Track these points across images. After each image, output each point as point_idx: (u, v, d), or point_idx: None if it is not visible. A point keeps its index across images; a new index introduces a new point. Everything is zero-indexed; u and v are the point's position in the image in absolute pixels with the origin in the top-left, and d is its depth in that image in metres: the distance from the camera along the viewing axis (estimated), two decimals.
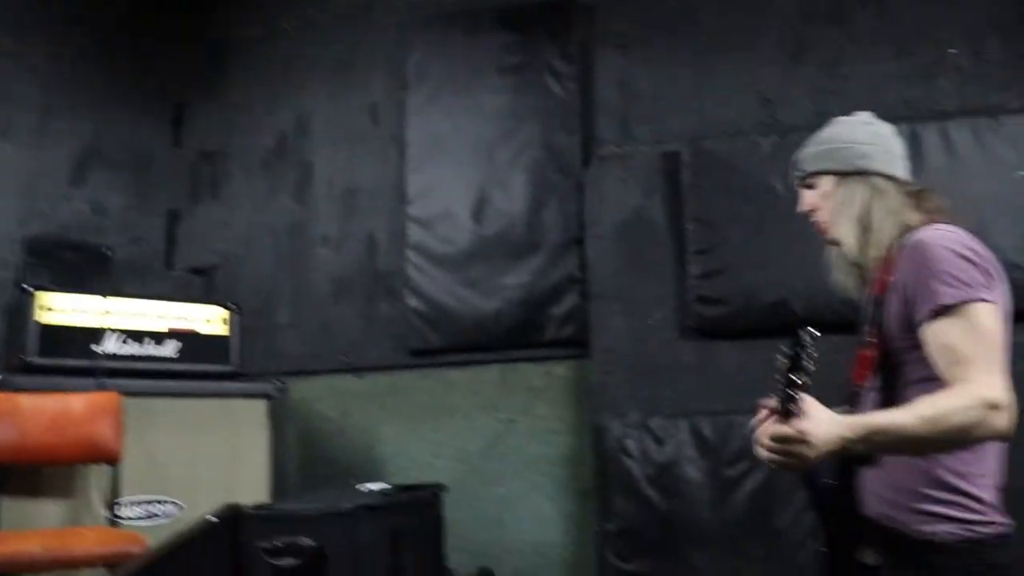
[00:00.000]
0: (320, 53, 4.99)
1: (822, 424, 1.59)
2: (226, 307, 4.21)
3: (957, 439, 1.64)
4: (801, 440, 1.58)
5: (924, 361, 1.73)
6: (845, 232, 1.94)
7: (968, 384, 1.63)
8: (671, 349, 4.06)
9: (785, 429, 1.59)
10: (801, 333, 1.60)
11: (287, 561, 3.15)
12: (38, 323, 3.68)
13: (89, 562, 3.21)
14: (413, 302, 4.54)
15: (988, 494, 1.76)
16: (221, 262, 4.93)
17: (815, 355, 1.60)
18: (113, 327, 3.83)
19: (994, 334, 1.71)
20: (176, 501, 3.75)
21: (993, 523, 1.74)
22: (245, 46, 5.11)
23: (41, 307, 3.70)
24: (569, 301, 4.37)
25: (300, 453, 4.54)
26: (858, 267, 1.94)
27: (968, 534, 1.71)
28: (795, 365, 1.60)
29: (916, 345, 1.75)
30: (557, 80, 4.53)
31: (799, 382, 1.59)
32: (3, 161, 4.38)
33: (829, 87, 4.20)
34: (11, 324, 3.82)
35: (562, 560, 4.26)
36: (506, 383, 4.44)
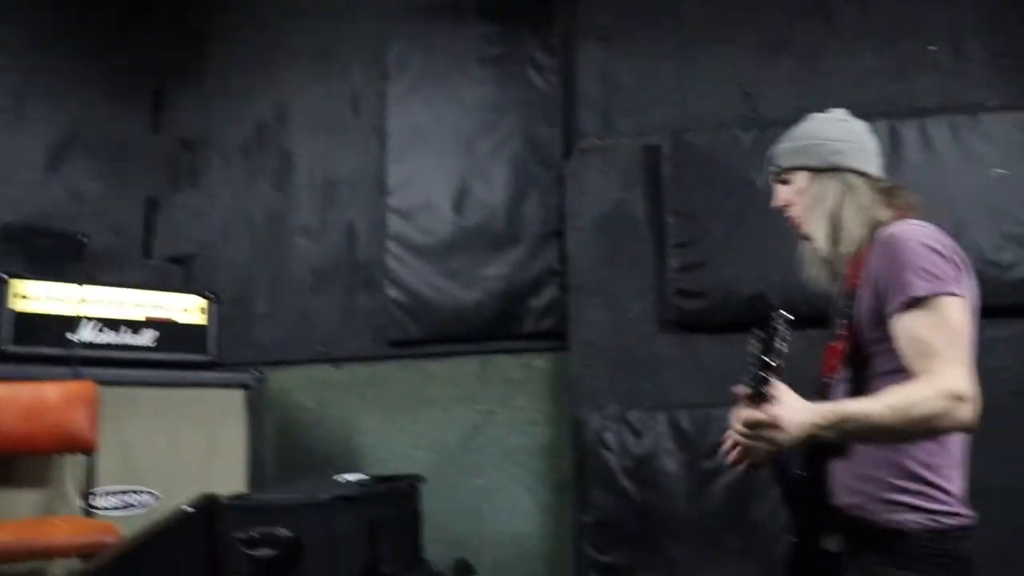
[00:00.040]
0: (301, 42, 4.96)
1: (794, 410, 1.63)
2: (204, 296, 4.18)
3: (923, 428, 1.68)
4: (773, 425, 1.62)
5: (893, 353, 1.76)
6: (817, 228, 1.97)
7: (935, 376, 1.67)
8: (650, 342, 4.07)
9: (757, 414, 1.63)
10: (774, 317, 1.64)
11: (264, 552, 3.14)
12: (12, 311, 3.63)
13: (63, 552, 3.20)
14: (393, 293, 4.53)
15: (955, 486, 1.80)
16: (200, 251, 4.90)
17: (788, 338, 1.63)
18: (89, 315, 3.80)
19: (962, 328, 1.74)
20: (152, 491, 3.73)
21: (958, 515, 1.78)
22: (225, 34, 5.07)
23: (16, 295, 3.65)
24: (549, 293, 4.37)
25: (278, 444, 4.52)
26: (830, 263, 1.97)
27: (933, 524, 1.75)
28: (768, 348, 1.63)
29: (886, 338, 1.78)
30: (539, 72, 4.52)
31: (772, 364, 1.62)
32: None
33: (810, 82, 4.21)
34: None
35: (539, 552, 4.27)
36: (485, 374, 4.45)
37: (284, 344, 4.69)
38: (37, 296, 3.71)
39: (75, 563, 3.18)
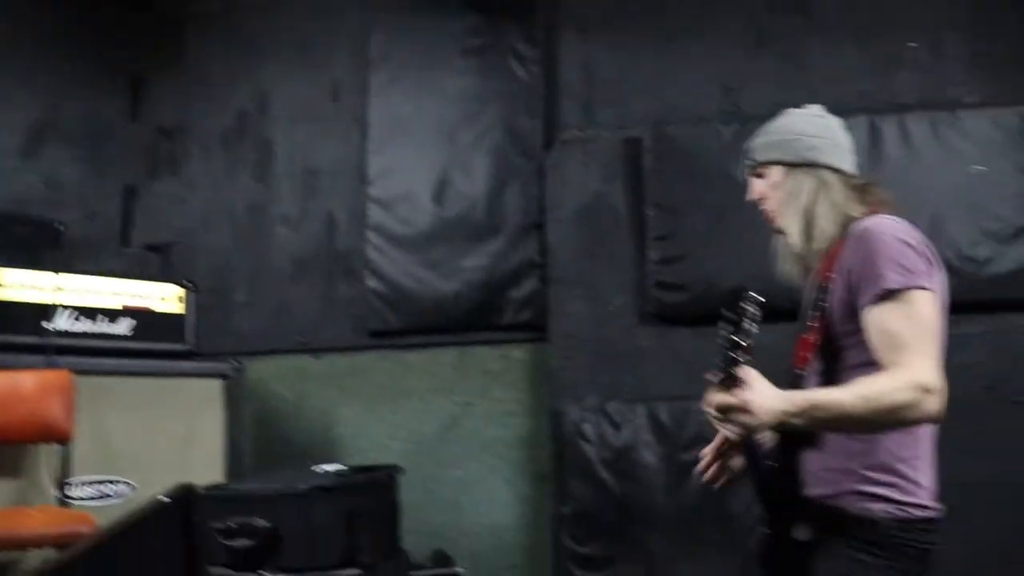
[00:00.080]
0: (283, 30, 4.92)
1: (764, 396, 1.66)
2: (182, 285, 4.15)
3: (891, 419, 1.71)
4: (743, 409, 1.65)
5: (865, 346, 1.79)
6: (791, 223, 1.99)
7: (904, 368, 1.70)
8: (630, 334, 4.09)
9: (728, 398, 1.66)
10: (744, 298, 1.66)
11: (241, 542, 3.13)
12: None
13: (37, 543, 3.17)
14: (372, 283, 4.52)
15: (924, 479, 1.83)
16: (178, 240, 4.86)
17: (758, 319, 1.66)
18: (66, 304, 3.76)
19: (932, 322, 1.77)
20: (129, 481, 3.70)
21: (927, 507, 1.81)
22: (206, 21, 5.02)
23: None
24: (529, 285, 4.37)
25: (257, 434, 4.51)
26: (803, 257, 1.99)
27: (901, 514, 1.78)
28: (737, 329, 1.66)
29: (857, 330, 1.81)
30: (521, 63, 4.51)
31: (742, 344, 1.65)
32: None
33: (791, 77, 4.22)
34: None
35: (518, 543, 4.28)
36: (464, 366, 4.45)
37: (263, 334, 4.67)
38: (12, 284, 3.67)
39: (50, 554, 3.16)
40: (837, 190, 1.97)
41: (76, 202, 4.69)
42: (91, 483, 3.62)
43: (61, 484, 3.45)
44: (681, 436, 3.88)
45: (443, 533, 4.26)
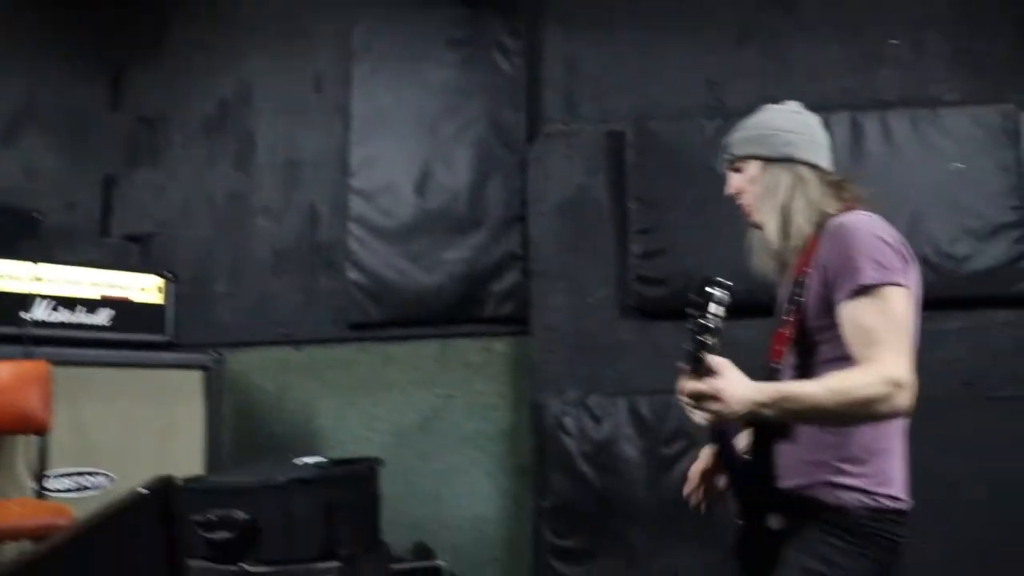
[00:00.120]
0: (265, 20, 4.89)
1: (735, 385, 1.68)
2: (162, 276, 4.12)
3: (861, 413, 1.73)
4: (714, 398, 1.67)
5: (839, 340, 1.81)
6: (768, 219, 2.01)
7: (876, 363, 1.72)
8: (611, 328, 4.09)
9: (699, 385, 1.68)
10: (710, 283, 1.69)
11: (220, 534, 3.12)
12: None
13: (13, 535, 3.14)
14: (354, 275, 4.50)
15: (896, 471, 1.87)
16: (158, 230, 4.82)
17: (725, 303, 1.68)
18: (43, 294, 3.73)
19: (906, 318, 1.80)
20: (107, 473, 3.68)
21: (898, 499, 1.84)
22: (188, 9, 4.98)
23: None
24: (510, 278, 4.37)
25: (237, 426, 4.48)
26: (779, 253, 2.02)
27: (873, 503, 1.82)
28: (704, 313, 1.68)
29: (832, 325, 1.83)
30: (504, 56, 4.50)
31: (710, 327, 1.67)
32: None
33: (774, 73, 4.24)
34: None
35: (499, 536, 4.28)
36: (445, 358, 4.44)
37: (244, 325, 4.64)
38: None
39: (27, 546, 3.13)
40: (813, 186, 1.99)
41: (55, 191, 4.65)
42: (69, 475, 3.59)
43: (38, 476, 3.42)
44: (662, 430, 3.89)
45: (424, 526, 4.26)
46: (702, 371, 1.67)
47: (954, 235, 3.81)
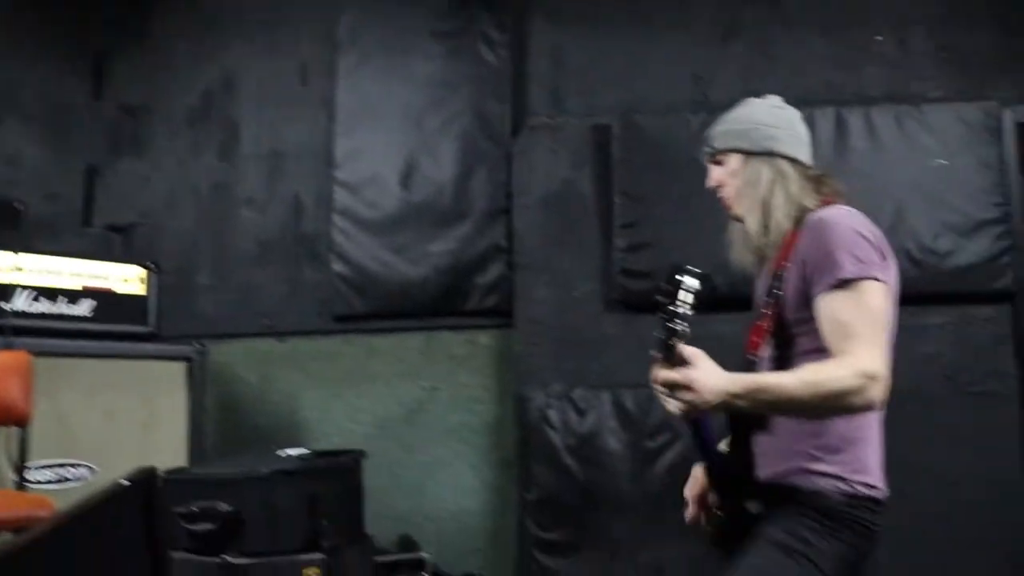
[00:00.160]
0: (250, 9, 4.86)
1: (709, 375, 1.68)
2: (144, 266, 4.10)
3: (835, 405, 1.74)
4: (687, 387, 1.67)
5: (817, 333, 1.83)
6: (748, 212, 2.03)
7: (851, 356, 1.74)
8: (595, 321, 4.10)
9: (673, 374, 1.68)
10: (679, 270, 1.71)
11: (203, 526, 3.11)
12: None
13: None
14: (338, 267, 4.49)
15: (872, 460, 1.89)
16: (141, 220, 4.79)
17: (694, 290, 1.69)
18: (24, 284, 3.70)
19: (882, 312, 1.81)
20: (89, 465, 3.66)
21: (874, 487, 1.87)
22: None
23: None
24: (495, 270, 4.37)
25: (220, 418, 4.47)
26: (759, 247, 2.03)
27: (850, 490, 1.84)
28: (675, 301, 1.68)
29: (810, 318, 1.85)
30: (490, 48, 4.49)
31: (679, 313, 1.68)
32: None
33: (760, 68, 4.25)
34: None
35: (483, 528, 4.29)
36: (430, 351, 4.44)
37: (227, 317, 4.63)
38: None
39: (7, 538, 3.11)
40: (793, 180, 2.00)
41: (37, 181, 4.60)
42: (50, 467, 3.57)
43: (19, 468, 3.39)
44: (646, 423, 3.90)
45: (408, 518, 4.26)
46: (674, 360, 1.67)
47: (936, 231, 3.84)
